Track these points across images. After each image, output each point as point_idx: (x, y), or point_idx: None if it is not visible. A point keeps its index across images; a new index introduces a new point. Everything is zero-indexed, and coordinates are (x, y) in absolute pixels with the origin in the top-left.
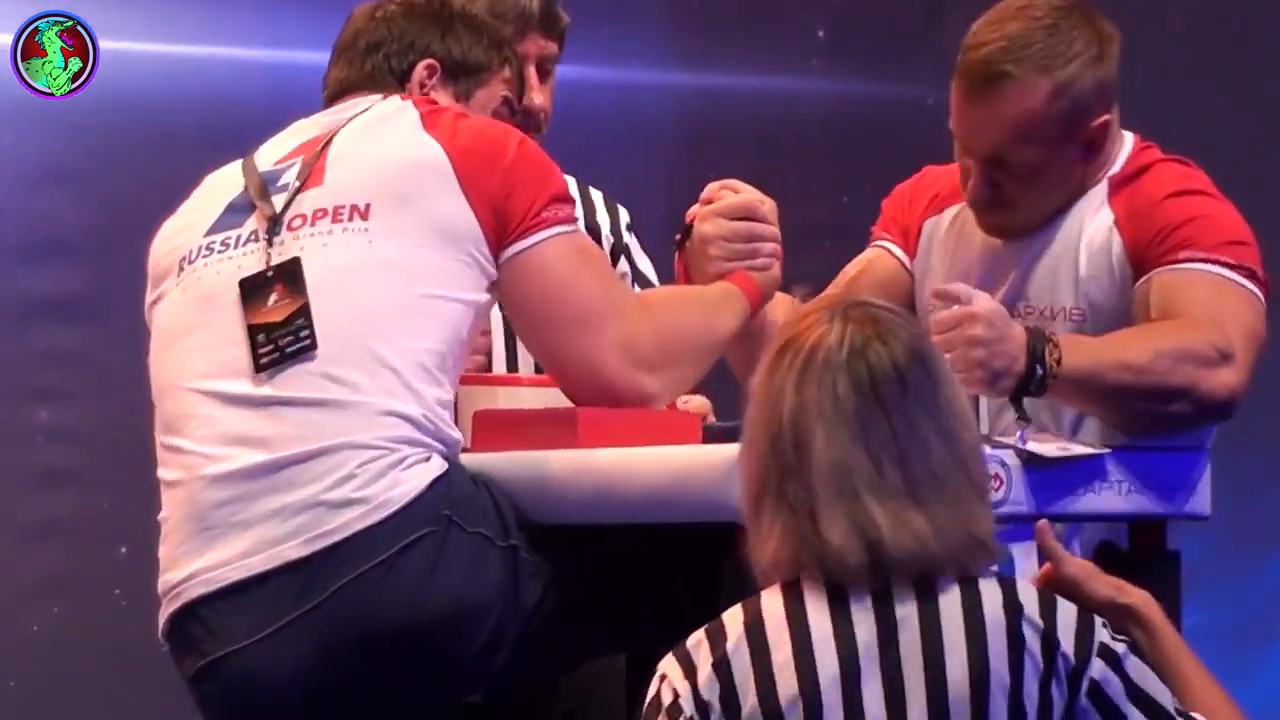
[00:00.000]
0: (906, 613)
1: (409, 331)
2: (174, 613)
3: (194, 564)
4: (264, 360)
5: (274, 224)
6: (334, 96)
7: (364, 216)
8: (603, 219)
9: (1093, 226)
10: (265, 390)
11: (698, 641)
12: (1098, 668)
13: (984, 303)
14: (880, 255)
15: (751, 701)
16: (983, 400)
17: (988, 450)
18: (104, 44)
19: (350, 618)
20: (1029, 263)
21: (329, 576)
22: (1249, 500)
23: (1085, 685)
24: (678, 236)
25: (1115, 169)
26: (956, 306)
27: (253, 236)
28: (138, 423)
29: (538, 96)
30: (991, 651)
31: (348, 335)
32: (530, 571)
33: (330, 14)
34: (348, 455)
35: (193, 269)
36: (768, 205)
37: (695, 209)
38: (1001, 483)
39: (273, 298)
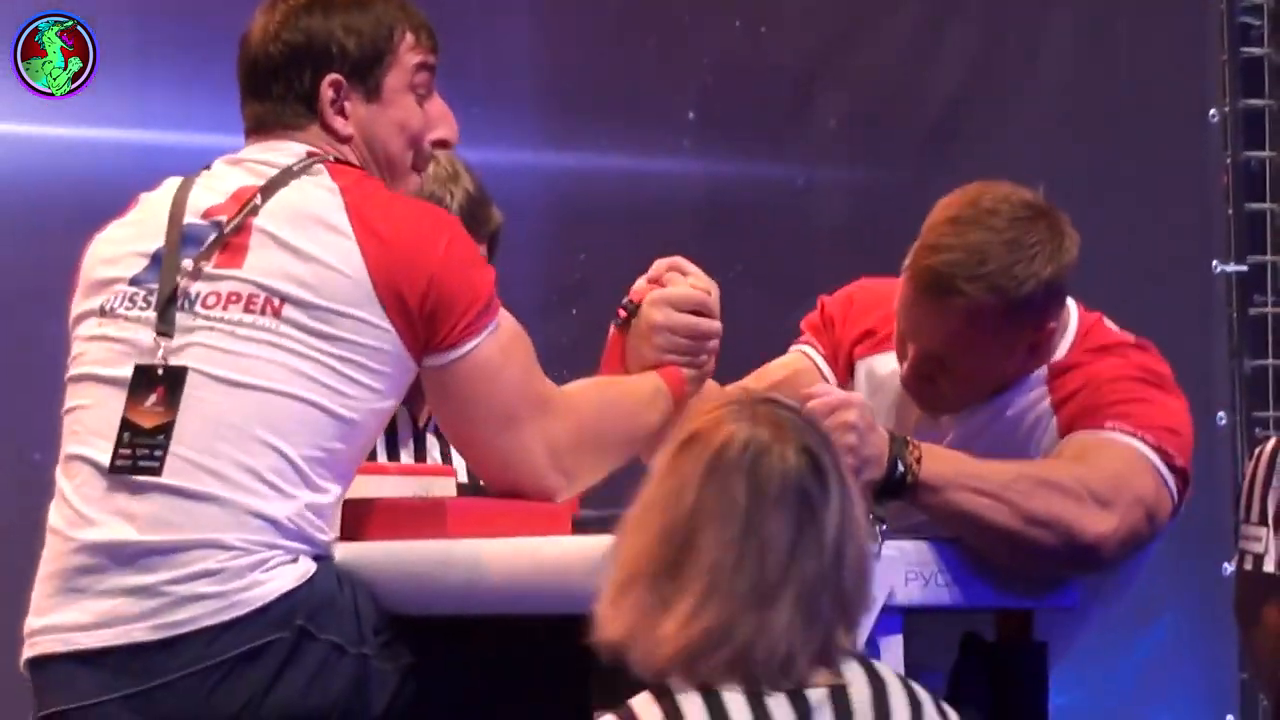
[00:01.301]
0: (819, 699)
1: (297, 435)
2: (28, 659)
3: (52, 617)
4: (118, 464)
5: (183, 300)
6: (252, 131)
7: (276, 314)
8: None
9: (1031, 411)
10: None
11: None
12: None
13: (857, 396)
14: (806, 366)
15: None
16: None
17: None
18: None
19: (180, 713)
20: (965, 439)
21: (166, 666)
22: None
23: None
24: (621, 313)
25: (1059, 356)
26: (830, 395)
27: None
28: None
29: None
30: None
31: (234, 430)
32: (379, 680)
33: (200, 95)
34: (209, 551)
35: (113, 315)
36: (714, 295)
37: (641, 284)
38: None
39: (151, 399)
